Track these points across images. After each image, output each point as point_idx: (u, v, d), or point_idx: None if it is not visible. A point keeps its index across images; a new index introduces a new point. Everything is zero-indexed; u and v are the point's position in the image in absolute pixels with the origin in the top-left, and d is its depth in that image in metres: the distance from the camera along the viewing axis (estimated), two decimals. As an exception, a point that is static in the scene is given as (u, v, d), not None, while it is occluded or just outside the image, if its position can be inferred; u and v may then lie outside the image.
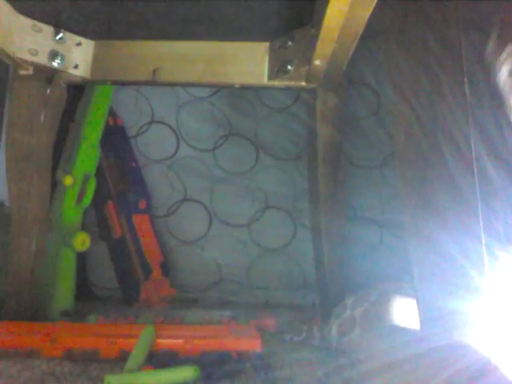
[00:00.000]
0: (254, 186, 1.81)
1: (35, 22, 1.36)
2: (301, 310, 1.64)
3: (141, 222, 1.75)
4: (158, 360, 1.04)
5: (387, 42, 0.69)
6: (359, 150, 1.74)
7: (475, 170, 0.58)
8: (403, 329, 1.10)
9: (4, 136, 1.50)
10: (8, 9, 1.28)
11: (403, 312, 1.16)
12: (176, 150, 1.83)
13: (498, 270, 0.61)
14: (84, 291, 1.75)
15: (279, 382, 1.01)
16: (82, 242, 1.59)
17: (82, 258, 1.71)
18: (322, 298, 1.61)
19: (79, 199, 1.62)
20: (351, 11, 0.93)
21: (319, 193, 1.61)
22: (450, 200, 0.58)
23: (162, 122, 1.83)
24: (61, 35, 1.41)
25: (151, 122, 1.84)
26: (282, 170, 1.81)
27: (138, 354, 1.05)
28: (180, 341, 1.17)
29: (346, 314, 1.30)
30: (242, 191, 1.82)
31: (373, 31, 1.44)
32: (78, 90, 1.69)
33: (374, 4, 0.91)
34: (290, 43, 1.35)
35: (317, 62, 1.22)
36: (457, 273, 0.59)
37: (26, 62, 1.37)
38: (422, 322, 0.61)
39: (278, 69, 1.39)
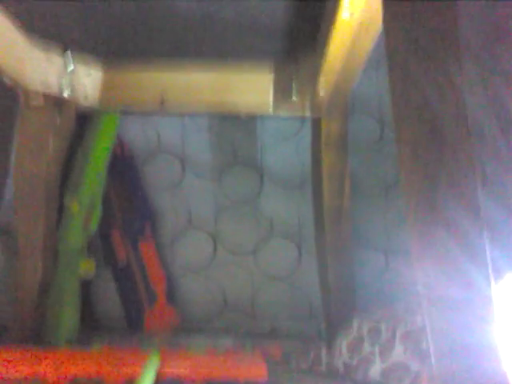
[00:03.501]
0: (258, 214, 1.82)
1: (48, 54, 1.40)
2: (306, 339, 1.62)
3: (146, 249, 1.75)
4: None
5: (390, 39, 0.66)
6: (363, 177, 1.75)
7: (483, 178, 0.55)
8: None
9: (13, 164, 1.52)
10: (23, 42, 1.32)
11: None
12: (181, 179, 1.85)
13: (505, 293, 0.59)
14: (89, 320, 1.73)
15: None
16: (87, 268, 1.59)
17: (86, 286, 1.71)
18: (328, 325, 1.59)
19: (85, 226, 1.63)
20: (355, 41, 0.96)
21: (324, 221, 1.61)
22: (457, 208, 0.56)
23: (168, 151, 1.86)
24: (72, 67, 1.45)
25: (158, 151, 1.86)
26: (287, 197, 1.82)
27: (143, 383, 1.04)
28: (185, 369, 1.15)
29: (353, 334, 1.28)
30: (247, 219, 1.82)
31: (374, 62, 1.48)
32: (85, 118, 1.72)
33: (377, 34, 0.94)
34: (294, 75, 1.39)
35: (321, 93, 1.25)
36: (465, 301, 0.56)
37: (37, 93, 1.40)
38: (435, 354, 0.58)
39: (282, 99, 1.43)
